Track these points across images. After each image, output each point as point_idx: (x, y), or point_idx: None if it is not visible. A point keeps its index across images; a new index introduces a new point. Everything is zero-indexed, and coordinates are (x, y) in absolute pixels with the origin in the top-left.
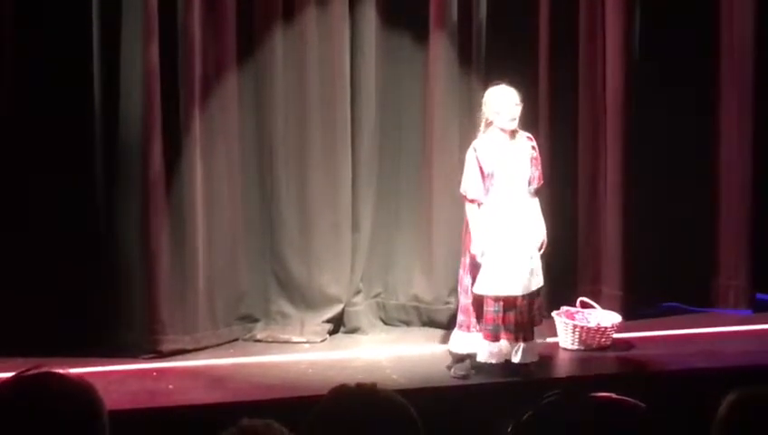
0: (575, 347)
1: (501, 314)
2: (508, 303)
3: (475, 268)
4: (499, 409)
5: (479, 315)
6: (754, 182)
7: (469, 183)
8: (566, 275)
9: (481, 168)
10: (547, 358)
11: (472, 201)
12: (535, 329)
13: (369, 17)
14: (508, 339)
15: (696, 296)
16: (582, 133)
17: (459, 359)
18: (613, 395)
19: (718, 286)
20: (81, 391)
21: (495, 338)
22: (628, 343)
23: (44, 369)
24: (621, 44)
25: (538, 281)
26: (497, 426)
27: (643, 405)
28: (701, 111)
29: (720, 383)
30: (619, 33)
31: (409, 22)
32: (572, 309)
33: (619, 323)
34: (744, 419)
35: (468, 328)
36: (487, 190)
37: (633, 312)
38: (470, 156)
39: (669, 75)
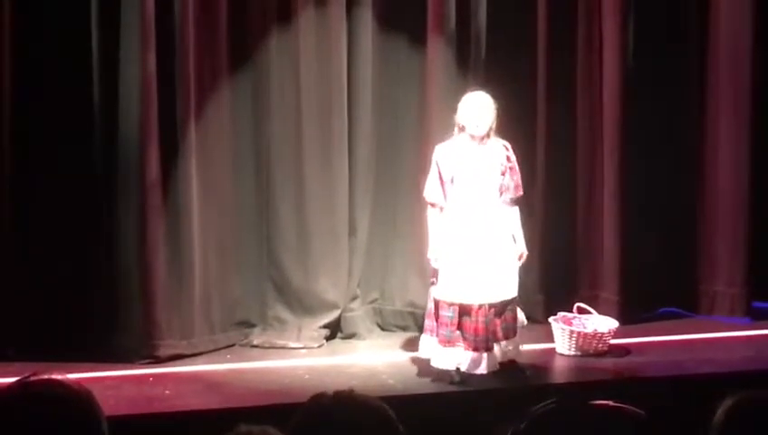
0: (572, 353)
1: (456, 321)
2: (463, 310)
3: (435, 274)
4: (496, 415)
5: (436, 320)
6: (752, 190)
7: (428, 187)
8: (563, 280)
9: (440, 172)
10: (544, 364)
11: (432, 205)
12: (504, 343)
13: (366, 21)
14: (464, 347)
15: (693, 304)
16: (580, 138)
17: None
18: (611, 402)
19: (715, 294)
20: (81, 399)
21: (449, 343)
22: (625, 349)
23: (44, 376)
24: (619, 49)
25: (506, 293)
26: (495, 432)
27: (641, 412)
28: (698, 115)
29: (717, 389)
30: (616, 38)
31: (406, 25)
32: (569, 315)
33: (616, 328)
34: (741, 424)
35: (432, 332)
36: (447, 195)
37: (630, 317)
38: (432, 159)
39: (666, 79)
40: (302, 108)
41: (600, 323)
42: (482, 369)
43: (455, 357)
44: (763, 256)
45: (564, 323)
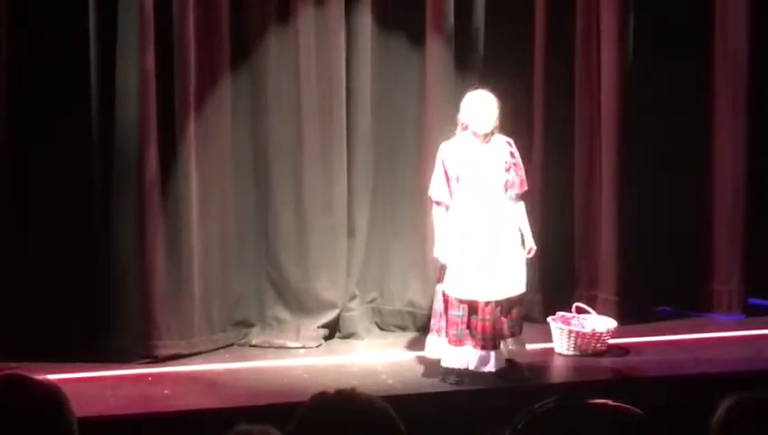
0: (571, 353)
1: (465, 319)
2: (472, 308)
3: (443, 272)
4: (494, 415)
5: (446, 320)
6: (747, 187)
7: (434, 185)
8: (562, 280)
9: (446, 170)
10: (542, 364)
11: (437, 203)
12: (510, 340)
13: (365, 21)
14: (473, 345)
15: (689, 301)
16: (578, 137)
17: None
18: (610, 402)
19: (712, 291)
20: (48, 397)
21: (459, 342)
22: (623, 349)
23: (8, 372)
24: (617, 46)
25: (513, 289)
26: (492, 432)
27: (639, 411)
28: (696, 115)
29: (716, 389)
30: (615, 35)
31: (405, 26)
32: (568, 314)
33: (615, 328)
34: (741, 424)
35: (439, 332)
36: (453, 193)
37: (629, 317)
38: (437, 158)
39: (665, 77)
40: (301, 107)
41: (599, 323)
42: (490, 367)
43: (464, 356)
44: (758, 253)
45: (563, 322)
